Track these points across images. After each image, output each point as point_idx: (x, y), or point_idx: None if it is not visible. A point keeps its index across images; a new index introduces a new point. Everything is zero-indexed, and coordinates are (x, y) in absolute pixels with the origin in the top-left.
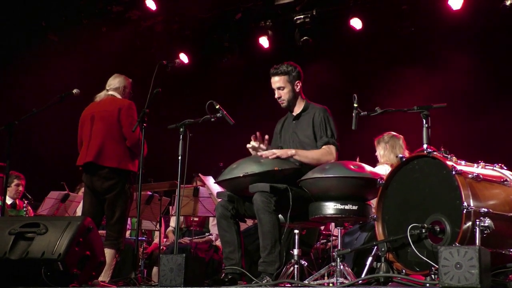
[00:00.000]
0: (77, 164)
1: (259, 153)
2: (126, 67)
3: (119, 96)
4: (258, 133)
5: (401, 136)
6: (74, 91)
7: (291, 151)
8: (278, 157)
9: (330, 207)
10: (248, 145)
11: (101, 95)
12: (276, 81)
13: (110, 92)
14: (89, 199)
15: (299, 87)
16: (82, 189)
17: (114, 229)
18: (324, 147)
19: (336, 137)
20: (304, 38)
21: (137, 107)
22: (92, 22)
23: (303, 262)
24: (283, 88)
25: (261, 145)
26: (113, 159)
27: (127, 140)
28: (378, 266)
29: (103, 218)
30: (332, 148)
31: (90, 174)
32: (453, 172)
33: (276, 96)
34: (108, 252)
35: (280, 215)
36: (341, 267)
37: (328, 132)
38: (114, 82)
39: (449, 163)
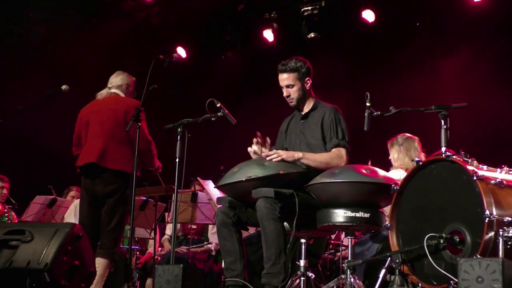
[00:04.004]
0: (77, 165)
1: (262, 154)
2: (120, 62)
3: (122, 95)
4: (258, 134)
5: (416, 137)
6: (63, 87)
7: (298, 154)
8: (283, 160)
9: (340, 215)
10: (249, 149)
11: (103, 93)
12: (285, 78)
13: (113, 90)
14: (86, 208)
15: (309, 84)
16: (70, 193)
17: (110, 237)
18: (333, 149)
19: (347, 139)
20: (312, 35)
21: None
22: (81, 13)
23: (310, 274)
24: (292, 86)
25: (263, 149)
26: (117, 161)
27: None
28: (391, 279)
29: None
30: (343, 151)
31: (92, 177)
32: (474, 178)
33: (285, 94)
34: (102, 262)
35: (285, 223)
36: (352, 280)
37: (338, 134)
38: (117, 80)
39: (469, 167)
